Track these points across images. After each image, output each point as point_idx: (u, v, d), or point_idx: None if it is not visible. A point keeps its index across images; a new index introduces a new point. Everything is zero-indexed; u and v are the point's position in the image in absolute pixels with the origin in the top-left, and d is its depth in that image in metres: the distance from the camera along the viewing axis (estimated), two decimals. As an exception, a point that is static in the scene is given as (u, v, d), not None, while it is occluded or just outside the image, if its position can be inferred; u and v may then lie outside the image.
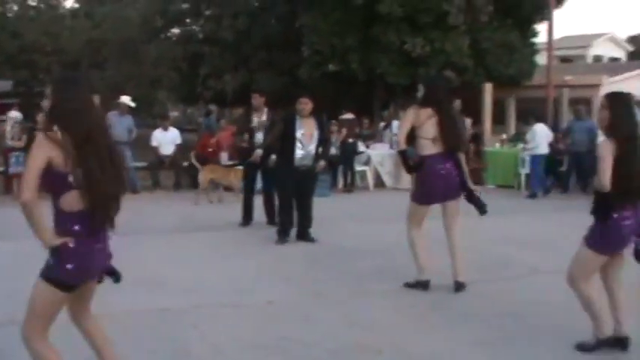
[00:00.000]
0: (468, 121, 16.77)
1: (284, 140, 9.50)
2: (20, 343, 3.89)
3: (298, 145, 9.32)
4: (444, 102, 7.11)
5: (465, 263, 7.10)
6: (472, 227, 10.34)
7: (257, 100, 10.91)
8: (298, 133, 9.33)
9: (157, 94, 30.23)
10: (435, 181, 6.96)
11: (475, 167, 16.00)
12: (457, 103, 15.92)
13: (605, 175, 4.85)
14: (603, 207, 4.97)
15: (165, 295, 6.84)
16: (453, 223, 7.10)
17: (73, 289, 3.83)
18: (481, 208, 7.12)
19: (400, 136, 7.06)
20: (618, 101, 5.15)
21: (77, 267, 3.75)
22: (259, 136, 10.70)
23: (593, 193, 5.14)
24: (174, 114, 43.38)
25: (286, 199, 9.60)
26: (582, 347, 5.24)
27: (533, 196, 14.86)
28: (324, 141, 9.76)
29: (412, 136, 6.98)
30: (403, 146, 7.01)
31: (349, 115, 16.09)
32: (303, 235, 9.67)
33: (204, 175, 13.57)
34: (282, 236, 9.53)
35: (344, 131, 15.61)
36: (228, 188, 13.50)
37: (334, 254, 8.88)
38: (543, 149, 15.14)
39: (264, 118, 10.77)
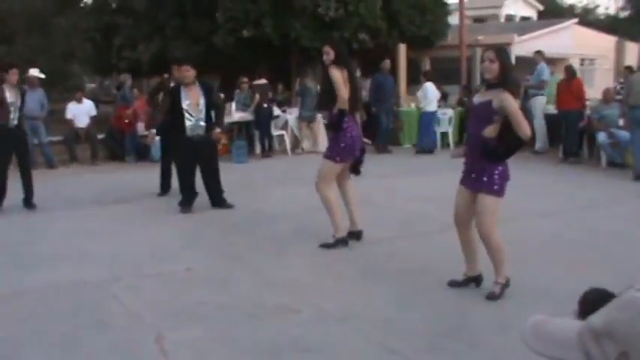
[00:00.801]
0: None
1: (173, 112, 9.47)
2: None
3: (186, 115, 9.27)
4: (350, 64, 7.50)
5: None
6: (388, 186, 10.62)
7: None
8: (184, 104, 9.28)
9: (71, 66, 29.62)
10: (353, 140, 7.26)
11: (391, 127, 16.33)
12: (387, 63, 16.20)
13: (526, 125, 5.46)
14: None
15: (85, 268, 6.85)
16: (348, 178, 7.59)
17: None
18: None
19: (344, 95, 7.17)
20: (506, 54, 5.62)
21: None
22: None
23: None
24: (91, 86, 42.60)
25: (185, 170, 9.55)
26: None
27: (421, 152, 15.60)
28: (214, 108, 9.69)
29: (331, 97, 7.21)
30: (345, 106, 7.24)
31: (262, 81, 16.07)
32: (219, 202, 9.70)
33: None
34: (185, 206, 9.51)
35: (257, 97, 15.62)
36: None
37: (253, 219, 8.97)
38: (432, 107, 15.94)
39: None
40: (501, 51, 5.58)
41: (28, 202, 9.75)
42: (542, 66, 15.42)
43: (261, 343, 4.87)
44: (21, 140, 9.84)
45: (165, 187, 11.00)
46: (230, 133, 15.40)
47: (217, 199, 9.70)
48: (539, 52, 15.88)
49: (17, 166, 9.78)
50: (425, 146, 15.67)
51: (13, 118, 9.55)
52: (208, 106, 9.47)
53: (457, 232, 5.86)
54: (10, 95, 9.50)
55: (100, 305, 5.77)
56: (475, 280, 5.92)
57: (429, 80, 16.18)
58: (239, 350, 4.77)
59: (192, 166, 9.53)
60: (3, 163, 9.61)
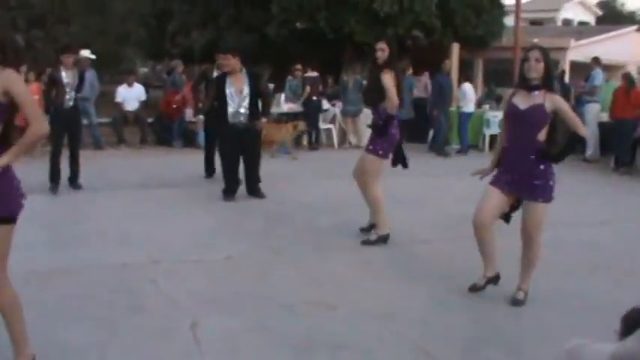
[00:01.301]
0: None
1: (218, 100, 9.50)
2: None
3: (229, 102, 9.28)
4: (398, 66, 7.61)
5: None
6: (435, 186, 10.48)
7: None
8: (228, 91, 9.28)
9: (124, 50, 29.87)
10: (393, 137, 7.30)
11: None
12: (447, 64, 16.12)
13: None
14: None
15: (126, 250, 6.87)
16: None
17: None
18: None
19: (396, 102, 7.17)
20: (549, 55, 5.43)
21: None
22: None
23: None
24: (143, 70, 42.95)
25: (227, 158, 9.56)
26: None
27: (462, 151, 15.75)
28: (261, 97, 9.65)
29: (380, 97, 7.18)
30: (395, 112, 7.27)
31: (314, 73, 16.04)
32: (252, 191, 9.71)
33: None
34: (227, 194, 9.52)
35: (307, 89, 15.58)
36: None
37: (295, 211, 8.93)
38: (470, 108, 15.94)
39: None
40: (545, 51, 5.43)
41: (74, 182, 9.83)
42: (597, 72, 15.17)
43: (296, 338, 4.81)
44: (75, 121, 9.92)
45: (210, 171, 11.27)
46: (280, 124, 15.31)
47: (252, 188, 9.71)
48: (595, 59, 15.62)
49: (67, 145, 9.86)
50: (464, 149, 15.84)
51: (69, 98, 9.65)
52: (253, 94, 9.42)
53: (477, 233, 5.60)
54: (65, 76, 9.58)
55: (137, 288, 5.78)
56: (494, 280, 5.76)
57: (466, 80, 16.22)
58: (272, 343, 4.72)
59: (235, 154, 9.52)
60: (57, 144, 9.69)
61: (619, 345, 0.94)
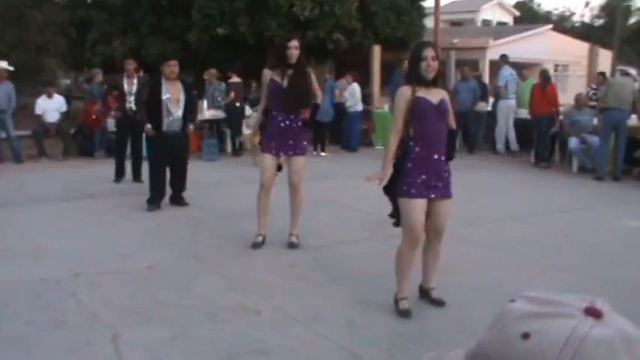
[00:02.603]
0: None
1: (151, 105, 9.34)
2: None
3: (165, 111, 9.18)
4: None
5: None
6: (353, 187, 10.54)
7: (130, 65, 11.60)
8: (164, 97, 9.18)
9: (45, 61, 29.31)
10: None
11: (364, 128, 16.34)
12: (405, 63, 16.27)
13: None
14: None
15: (45, 265, 6.72)
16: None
17: None
18: None
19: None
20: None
21: None
22: (131, 101, 11.37)
23: None
24: (65, 82, 42.17)
25: (157, 166, 9.43)
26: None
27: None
28: (190, 105, 9.61)
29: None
30: None
31: (236, 79, 15.98)
32: (177, 199, 9.65)
33: (249, 139, 13.87)
34: (151, 204, 9.39)
35: (232, 94, 15.54)
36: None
37: (218, 218, 8.88)
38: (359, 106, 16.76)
39: (135, 84, 11.48)
40: (437, 48, 5.49)
41: None
42: (504, 69, 15.85)
43: (219, 345, 4.78)
44: None
45: (120, 175, 11.92)
46: (201, 131, 15.28)
47: (177, 196, 9.66)
48: (502, 56, 16.33)
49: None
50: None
51: None
52: (187, 103, 9.38)
53: (415, 253, 5.40)
54: None
55: (57, 303, 5.65)
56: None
57: (355, 81, 16.78)
58: (196, 351, 4.68)
59: (165, 163, 9.42)
60: None
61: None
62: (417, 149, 5.22)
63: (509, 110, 15.72)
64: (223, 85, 16.38)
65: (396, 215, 5.43)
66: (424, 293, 5.68)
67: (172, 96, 9.19)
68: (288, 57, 7.03)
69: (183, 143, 9.57)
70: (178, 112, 9.25)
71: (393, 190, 5.31)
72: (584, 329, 0.83)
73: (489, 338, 0.90)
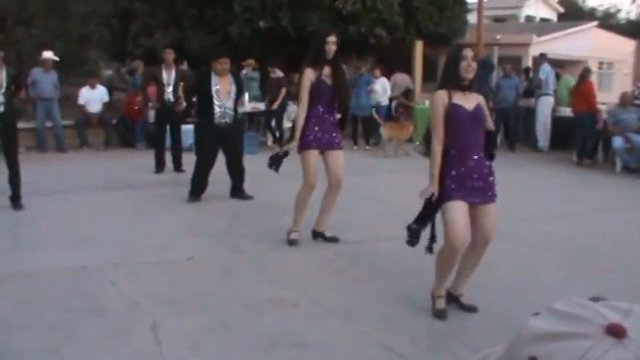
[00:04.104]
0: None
1: (200, 97, 9.40)
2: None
3: (216, 102, 9.20)
4: None
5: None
6: (398, 183, 10.49)
7: (169, 55, 11.81)
8: (214, 89, 9.20)
9: (87, 52, 29.59)
10: None
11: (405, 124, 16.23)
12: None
13: None
14: None
15: (86, 253, 6.79)
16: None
17: None
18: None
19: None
20: None
21: None
22: (169, 92, 11.57)
23: None
24: (108, 72, 42.57)
25: (205, 159, 9.41)
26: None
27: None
28: (241, 96, 9.76)
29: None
30: None
31: (279, 74, 16.02)
32: (238, 193, 9.63)
33: (385, 132, 14.68)
34: (193, 196, 9.41)
35: (284, 91, 15.58)
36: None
37: (258, 210, 8.91)
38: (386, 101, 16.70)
39: (173, 74, 11.68)
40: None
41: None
42: (543, 66, 15.72)
43: (257, 336, 4.79)
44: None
45: (160, 167, 11.95)
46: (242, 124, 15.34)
47: (238, 190, 9.65)
48: (542, 55, 16.22)
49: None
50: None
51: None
52: (238, 96, 9.48)
53: (457, 256, 5.17)
54: None
55: (97, 291, 5.72)
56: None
57: (383, 75, 16.86)
58: (234, 342, 4.69)
59: (213, 156, 9.45)
60: None
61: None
62: (452, 151, 5.06)
63: (549, 106, 15.59)
64: (257, 74, 16.45)
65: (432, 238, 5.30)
66: (453, 299, 5.45)
67: (222, 87, 9.21)
68: (326, 52, 6.87)
69: (236, 134, 9.62)
70: (229, 103, 9.26)
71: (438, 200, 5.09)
72: (597, 353, 0.76)
73: (502, 356, 0.88)
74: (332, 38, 6.90)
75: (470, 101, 5.07)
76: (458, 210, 4.99)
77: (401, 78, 18.10)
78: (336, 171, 7.06)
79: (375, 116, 15.09)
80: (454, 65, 5.05)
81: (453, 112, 4.99)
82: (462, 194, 5.00)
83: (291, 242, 7.19)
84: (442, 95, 5.05)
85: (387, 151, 14.40)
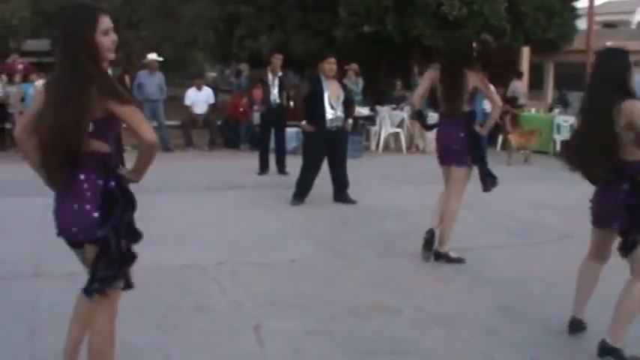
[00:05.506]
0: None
1: (311, 102, 9.42)
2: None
3: (327, 106, 9.22)
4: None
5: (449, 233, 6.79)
6: (504, 192, 10.27)
7: (278, 59, 11.99)
8: (326, 94, 9.24)
9: (193, 54, 30.20)
10: (437, 143, 6.86)
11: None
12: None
13: None
14: None
15: (190, 252, 6.88)
16: (449, 190, 6.77)
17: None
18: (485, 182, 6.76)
19: (416, 95, 6.86)
20: None
21: None
22: (275, 94, 11.78)
23: None
24: (211, 75, 43.39)
25: (312, 162, 9.45)
26: None
27: None
28: (348, 102, 9.66)
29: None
30: (417, 106, 6.92)
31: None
32: (342, 197, 9.60)
33: (514, 140, 14.78)
34: (297, 198, 9.44)
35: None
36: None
37: (362, 215, 8.86)
38: None
39: (278, 77, 11.97)
40: None
41: None
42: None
43: (359, 341, 4.73)
44: None
45: (264, 168, 12.11)
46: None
47: (342, 194, 9.62)
48: (637, 62, 15.53)
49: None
50: None
51: None
52: (345, 100, 9.47)
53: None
54: None
55: (200, 289, 5.77)
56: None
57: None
58: (336, 346, 4.65)
59: (321, 159, 9.49)
60: None
61: None
62: None
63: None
64: (360, 80, 16.43)
65: None
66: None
67: (332, 92, 9.25)
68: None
69: (343, 139, 9.66)
70: (339, 108, 9.30)
71: None
72: None
73: None
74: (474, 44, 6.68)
75: None
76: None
77: (520, 85, 17.78)
78: None
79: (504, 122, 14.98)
80: (628, 76, 4.53)
81: None
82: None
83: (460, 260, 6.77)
84: None
85: (512, 160, 14.19)
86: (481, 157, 6.68)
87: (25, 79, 15.26)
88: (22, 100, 14.50)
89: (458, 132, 6.54)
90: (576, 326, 4.90)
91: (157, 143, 3.39)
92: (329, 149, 9.43)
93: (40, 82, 13.65)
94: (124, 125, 3.41)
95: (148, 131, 3.34)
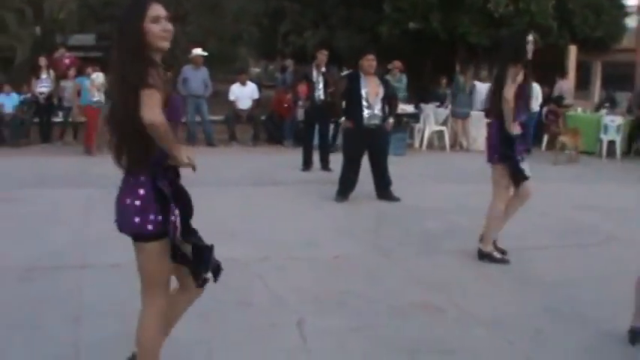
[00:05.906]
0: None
1: (349, 99, 9.40)
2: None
3: (364, 103, 9.19)
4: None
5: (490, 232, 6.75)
6: (550, 193, 10.17)
7: (323, 55, 12.02)
8: (363, 92, 9.20)
9: (238, 49, 30.27)
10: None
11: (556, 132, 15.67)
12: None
13: None
14: None
15: (233, 246, 6.88)
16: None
17: None
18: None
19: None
20: None
21: None
22: (320, 89, 11.80)
23: None
24: (255, 70, 43.51)
25: (353, 159, 9.44)
26: None
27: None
28: (391, 99, 9.61)
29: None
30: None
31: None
32: (385, 195, 9.57)
33: (565, 140, 14.70)
34: (340, 195, 9.45)
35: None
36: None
37: (406, 213, 8.84)
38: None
39: (323, 73, 12.00)
40: None
41: None
42: None
43: (402, 340, 4.72)
44: None
45: (308, 164, 12.13)
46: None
47: (385, 192, 9.59)
48: None
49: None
50: None
51: None
52: (385, 97, 9.40)
53: None
54: None
55: (244, 284, 5.78)
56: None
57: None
58: (379, 344, 4.64)
59: (361, 157, 9.47)
60: None
61: None
62: None
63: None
64: (404, 77, 16.36)
65: None
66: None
67: (371, 89, 9.21)
68: (528, 53, 6.46)
69: (383, 137, 9.60)
70: (377, 105, 9.25)
71: None
72: None
73: None
74: (530, 38, 6.57)
75: None
76: None
77: (566, 84, 17.58)
78: None
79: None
80: None
81: None
82: None
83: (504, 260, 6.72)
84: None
85: (558, 159, 14.07)
86: (510, 155, 6.46)
87: (80, 72, 15.34)
88: (78, 94, 14.56)
89: (490, 130, 6.63)
90: (637, 337, 4.77)
91: (159, 122, 3.18)
92: (368, 147, 9.41)
93: (95, 75, 13.81)
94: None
95: (147, 112, 3.17)
